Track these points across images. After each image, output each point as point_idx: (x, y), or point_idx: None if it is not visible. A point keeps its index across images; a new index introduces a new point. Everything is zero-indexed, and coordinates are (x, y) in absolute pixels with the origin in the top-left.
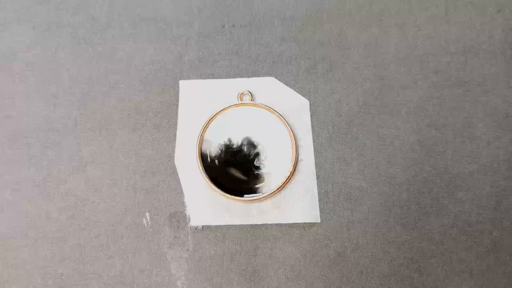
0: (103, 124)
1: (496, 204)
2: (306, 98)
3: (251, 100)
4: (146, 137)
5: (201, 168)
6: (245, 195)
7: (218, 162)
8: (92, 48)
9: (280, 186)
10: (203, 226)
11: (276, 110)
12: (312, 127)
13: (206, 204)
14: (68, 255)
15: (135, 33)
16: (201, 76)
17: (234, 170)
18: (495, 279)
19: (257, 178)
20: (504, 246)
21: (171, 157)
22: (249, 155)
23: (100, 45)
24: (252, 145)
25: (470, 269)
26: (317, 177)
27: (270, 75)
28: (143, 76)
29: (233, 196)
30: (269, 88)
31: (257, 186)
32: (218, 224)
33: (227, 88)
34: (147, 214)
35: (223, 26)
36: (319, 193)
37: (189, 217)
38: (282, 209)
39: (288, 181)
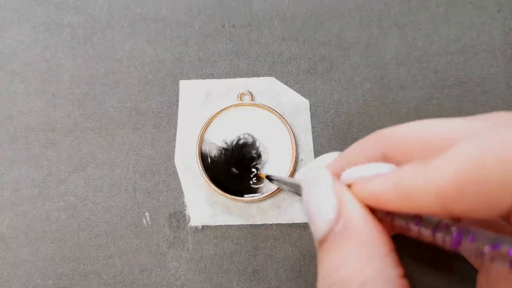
0: (103, 124)
1: None
2: (306, 98)
3: (251, 100)
4: (146, 137)
5: (201, 168)
6: (245, 195)
7: (218, 162)
8: (92, 48)
9: None
10: (203, 226)
11: (276, 110)
12: (312, 127)
13: (206, 204)
14: (68, 255)
15: (135, 33)
16: (201, 76)
17: (234, 170)
18: None
19: (257, 178)
20: None
21: (171, 157)
22: (249, 155)
23: (100, 45)
24: (252, 145)
25: None
26: None
27: (270, 75)
28: (143, 76)
29: (233, 196)
30: (269, 88)
31: (257, 186)
32: (218, 224)
33: (227, 88)
34: (147, 214)
35: (223, 26)
36: None
37: (189, 217)
38: (282, 209)
39: None
